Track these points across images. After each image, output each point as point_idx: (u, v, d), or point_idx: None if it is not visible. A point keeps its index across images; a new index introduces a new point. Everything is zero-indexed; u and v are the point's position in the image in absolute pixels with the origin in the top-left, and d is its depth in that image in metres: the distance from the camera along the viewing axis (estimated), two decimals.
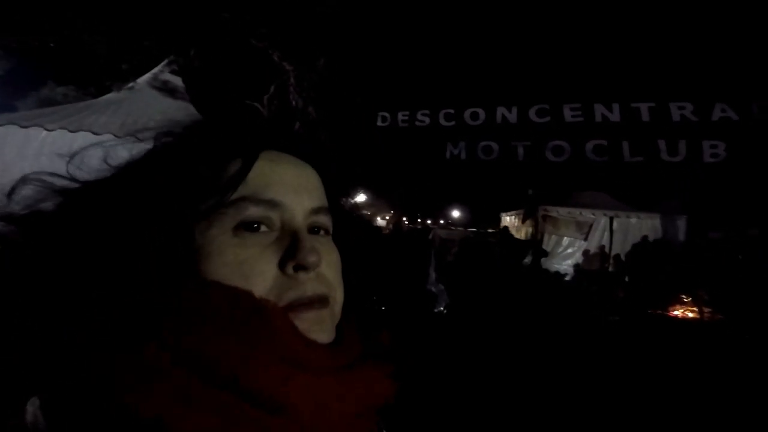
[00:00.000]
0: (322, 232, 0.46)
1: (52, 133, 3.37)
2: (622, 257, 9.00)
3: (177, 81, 6.37)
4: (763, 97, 3.30)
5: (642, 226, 9.33)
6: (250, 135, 0.46)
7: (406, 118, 4.03)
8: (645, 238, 9.02)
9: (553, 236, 9.14)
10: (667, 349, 4.73)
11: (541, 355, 4.46)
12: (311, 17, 4.52)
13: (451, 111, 3.85)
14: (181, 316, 0.35)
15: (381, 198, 14.69)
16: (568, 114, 3.59)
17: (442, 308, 5.17)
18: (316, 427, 0.36)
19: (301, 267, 0.40)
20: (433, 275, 5.08)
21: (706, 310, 6.11)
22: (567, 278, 8.55)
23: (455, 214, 27.65)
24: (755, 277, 6.49)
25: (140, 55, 5.81)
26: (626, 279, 8.30)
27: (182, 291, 0.37)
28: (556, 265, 8.81)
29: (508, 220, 11.34)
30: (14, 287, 0.37)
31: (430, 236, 11.65)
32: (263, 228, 0.42)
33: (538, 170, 3.66)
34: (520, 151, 3.62)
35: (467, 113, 3.83)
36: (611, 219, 9.17)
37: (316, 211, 0.45)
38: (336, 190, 0.51)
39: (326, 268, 0.44)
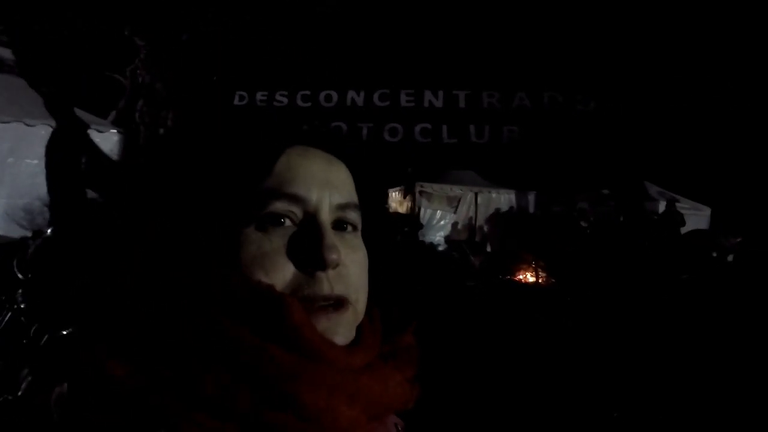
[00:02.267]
0: (349, 228, 0.45)
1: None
2: (485, 228, 10.48)
3: (5, 53, 5.58)
4: (552, 89, 4.20)
5: (501, 200, 10.86)
6: (277, 129, 0.46)
7: (265, 97, 4.24)
8: (498, 210, 10.61)
9: (428, 210, 10.15)
10: (510, 309, 5.73)
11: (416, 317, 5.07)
12: None
13: (308, 93, 4.16)
14: (204, 305, 0.36)
15: None
16: (403, 99, 4.15)
17: None
18: (327, 428, 0.35)
19: (320, 264, 0.40)
20: None
21: (542, 274, 7.43)
22: (440, 248, 9.65)
23: None
24: (583, 245, 8.13)
25: None
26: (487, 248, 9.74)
27: (208, 280, 0.37)
28: (430, 237, 9.85)
29: (393, 195, 12.19)
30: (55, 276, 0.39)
31: None
32: (287, 222, 0.41)
33: (379, 150, 4.16)
34: (364, 131, 4.10)
35: (322, 95, 4.19)
36: (476, 194, 10.51)
37: (343, 207, 0.45)
38: (367, 187, 0.49)
39: (350, 266, 0.43)
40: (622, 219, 8.79)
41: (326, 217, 0.42)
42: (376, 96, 3.87)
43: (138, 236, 0.40)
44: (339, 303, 0.40)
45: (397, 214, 10.71)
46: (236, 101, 4.23)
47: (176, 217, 0.40)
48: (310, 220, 0.41)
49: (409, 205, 10.36)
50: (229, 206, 0.40)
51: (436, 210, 10.28)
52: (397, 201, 11.53)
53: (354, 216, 0.45)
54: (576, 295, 6.22)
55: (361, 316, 0.43)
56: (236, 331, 0.35)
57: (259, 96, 4.09)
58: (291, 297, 0.38)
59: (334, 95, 3.92)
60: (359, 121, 3.86)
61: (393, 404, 0.42)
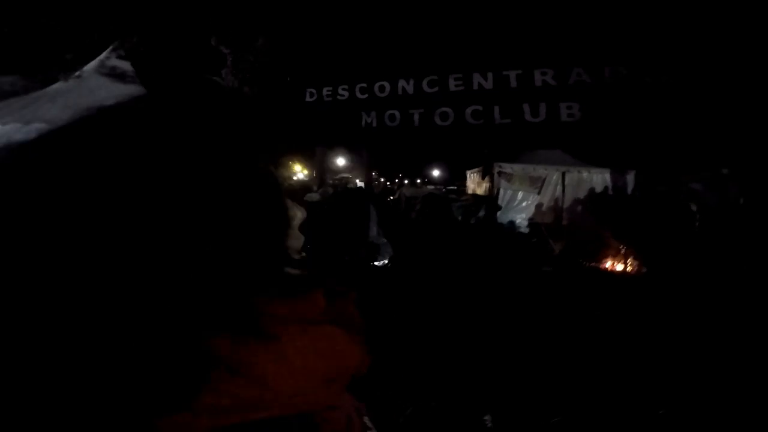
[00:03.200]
0: None
1: (6, 126, 3.69)
2: (573, 211, 9.68)
3: (125, 66, 6.51)
4: (615, 62, 3.74)
5: (593, 179, 9.90)
6: None
7: (330, 92, 4.50)
8: (592, 190, 9.65)
9: (508, 191, 9.69)
10: (589, 297, 5.34)
11: (479, 302, 5.01)
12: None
13: (365, 85, 4.34)
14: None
15: (359, 161, 15.16)
16: (452, 83, 4.08)
17: (385, 261, 5.58)
18: (282, 387, 0.35)
19: None
20: (374, 229, 5.46)
21: (633, 263, 6.72)
22: (521, 230, 9.21)
23: (435, 173, 28.20)
24: (692, 232, 7.13)
25: (82, 43, 5.91)
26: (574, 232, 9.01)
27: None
28: (510, 218, 9.44)
29: (471, 177, 11.86)
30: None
31: (397, 194, 12.14)
32: None
33: (430, 134, 4.16)
34: (416, 117, 4.13)
35: (376, 86, 4.32)
36: (563, 174, 9.73)
37: None
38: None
39: None
40: (743, 203, 7.47)
41: None
42: (425, 83, 3.93)
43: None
44: None
45: (474, 195, 10.45)
46: (307, 98, 4.59)
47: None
48: None
49: (488, 186, 10.01)
50: None
51: (517, 191, 9.75)
52: (475, 182, 11.23)
53: None
54: (673, 288, 5.54)
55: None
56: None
57: (324, 91, 4.41)
58: None
59: (387, 85, 4.06)
60: (410, 108, 3.96)
61: (343, 364, 0.43)
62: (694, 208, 7.89)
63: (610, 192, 9.65)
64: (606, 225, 8.25)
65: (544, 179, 9.79)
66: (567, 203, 9.45)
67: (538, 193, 9.70)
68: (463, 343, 3.89)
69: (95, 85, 5.11)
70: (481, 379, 3.14)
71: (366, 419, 0.51)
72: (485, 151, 9.97)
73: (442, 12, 4.58)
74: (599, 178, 9.83)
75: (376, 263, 5.50)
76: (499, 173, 9.74)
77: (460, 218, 9.38)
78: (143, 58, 6.92)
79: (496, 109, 3.84)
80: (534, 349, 3.76)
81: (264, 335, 0.37)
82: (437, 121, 3.96)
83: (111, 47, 6.36)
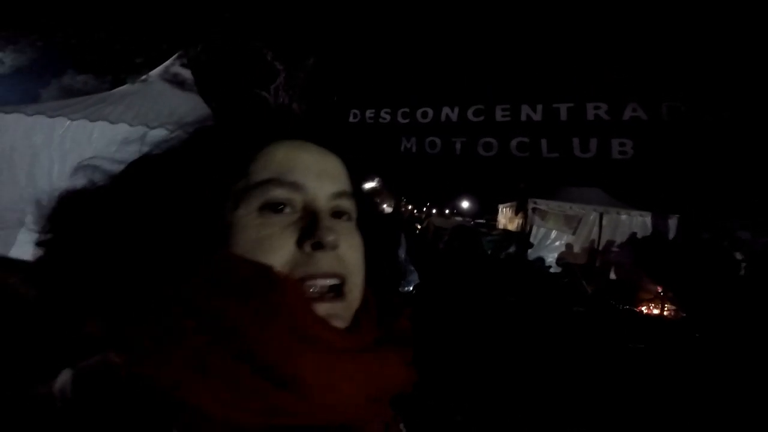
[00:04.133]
0: (345, 216, 0.47)
1: (74, 122, 4.03)
2: (609, 253, 9.30)
3: (186, 73, 6.98)
4: (673, 98, 3.60)
5: (633, 222, 9.54)
6: (270, 122, 0.48)
7: (372, 115, 4.58)
8: (633, 234, 9.27)
9: (542, 229, 9.46)
10: (622, 338, 5.10)
11: (500, 338, 4.88)
12: (303, 18, 5.03)
13: (407, 110, 4.38)
14: (206, 285, 0.36)
15: (389, 186, 15.32)
16: (498, 114, 4.04)
17: (410, 288, 5.55)
18: (327, 407, 0.35)
19: (318, 245, 0.41)
20: (402, 255, 5.49)
21: (670, 307, 6.38)
22: (551, 270, 8.92)
23: (464, 204, 28.01)
24: (736, 281, 6.71)
25: (152, 49, 6.46)
26: (612, 275, 8.63)
27: (210, 261, 0.38)
28: (541, 256, 9.18)
29: (504, 211, 11.69)
30: (62, 260, 0.38)
31: (425, 223, 12.12)
32: (287, 209, 0.43)
33: (473, 164, 4.11)
34: (458, 146, 4.09)
35: (419, 112, 4.35)
36: (601, 214, 9.43)
37: (338, 195, 0.46)
38: (359, 178, 0.52)
39: (347, 250, 0.44)
40: None
41: (323, 204, 0.45)
42: (470, 111, 3.93)
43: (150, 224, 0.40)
44: (339, 291, 0.42)
45: (505, 230, 10.27)
46: (351, 118, 4.71)
47: (183, 207, 0.41)
48: (308, 206, 0.44)
49: (521, 222, 9.83)
50: (230, 195, 0.42)
51: (551, 230, 9.52)
52: (507, 218, 11.05)
53: (348, 205, 0.47)
54: (713, 334, 5.24)
55: (357, 303, 0.45)
56: (236, 312, 0.36)
57: (367, 114, 4.52)
58: (289, 277, 0.39)
59: (430, 112, 4.12)
60: (453, 136, 3.96)
61: (390, 385, 0.43)
62: (739, 256, 7.44)
63: (651, 236, 9.26)
64: (645, 269, 7.87)
65: (581, 219, 9.53)
66: (603, 245, 9.11)
67: (573, 233, 9.43)
68: (484, 376, 3.79)
69: (158, 90, 5.49)
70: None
71: (401, 426, 0.51)
72: (521, 186, 9.86)
73: (489, 41, 4.69)
74: (639, 221, 9.47)
75: (401, 289, 5.49)
76: (534, 210, 9.55)
77: (489, 252, 9.23)
78: (203, 68, 7.43)
79: (544, 142, 3.78)
80: (560, 385, 3.59)
81: (317, 345, 0.37)
82: (480, 151, 3.93)
83: (176, 55, 6.88)
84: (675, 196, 9.34)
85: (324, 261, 0.41)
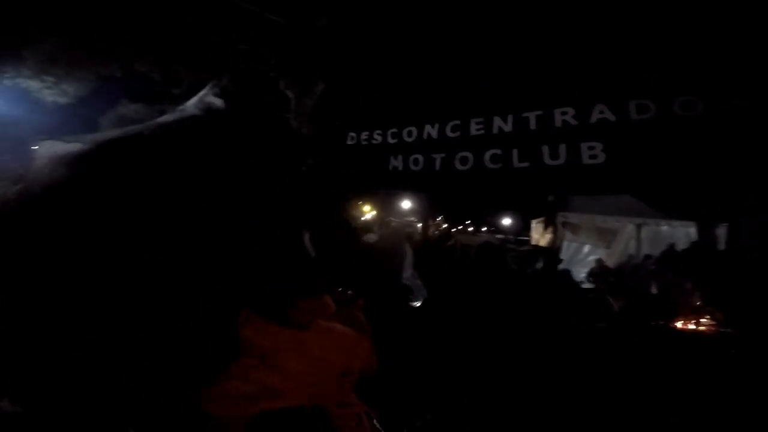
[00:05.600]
0: None
1: None
2: (649, 267, 8.67)
3: (219, 102, 7.62)
4: (640, 96, 3.40)
5: (675, 234, 8.87)
6: None
7: (366, 137, 4.77)
8: (672, 246, 8.63)
9: (573, 244, 9.05)
10: (640, 358, 4.80)
11: (509, 354, 4.77)
12: (310, 46, 5.38)
13: (395, 130, 4.54)
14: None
15: (426, 205, 15.42)
16: (473, 128, 4.04)
17: (417, 303, 5.59)
18: (302, 376, 0.44)
19: None
20: (408, 270, 5.53)
21: (709, 323, 5.89)
22: (583, 285, 8.47)
23: (506, 221, 27.28)
24: None
25: (188, 81, 7.14)
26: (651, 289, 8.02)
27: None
28: (570, 273, 8.75)
29: (536, 227, 11.31)
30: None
31: (452, 241, 11.96)
32: None
33: (450, 179, 4.13)
34: (437, 162, 4.15)
35: (405, 131, 4.48)
36: (639, 226, 8.87)
37: None
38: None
39: None
40: None
41: None
42: (448, 127, 4.04)
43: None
44: None
45: (534, 247, 9.95)
46: (348, 141, 5.02)
47: None
48: None
49: (551, 237, 9.47)
50: None
51: (583, 244, 9.08)
52: (539, 233, 10.67)
53: None
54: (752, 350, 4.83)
55: None
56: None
57: (362, 136, 4.78)
58: None
59: (414, 131, 4.28)
60: (433, 152, 4.09)
61: (357, 359, 0.46)
62: None
63: (696, 247, 8.55)
64: (688, 283, 7.28)
65: (616, 231, 9.02)
66: (640, 259, 8.54)
67: (608, 247, 8.93)
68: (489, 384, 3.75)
69: (191, 119, 6.08)
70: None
71: (375, 422, 0.58)
72: (549, 199, 9.55)
73: (462, 55, 4.76)
74: (682, 232, 8.81)
75: (409, 304, 5.57)
76: (564, 224, 9.20)
77: (515, 269, 8.96)
78: (232, 97, 8.06)
79: (515, 152, 3.76)
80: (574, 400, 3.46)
81: (291, 323, 0.47)
82: (457, 165, 3.99)
83: (209, 86, 7.57)
84: (724, 204, 8.60)
85: None
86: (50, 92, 10.78)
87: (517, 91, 3.89)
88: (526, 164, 3.57)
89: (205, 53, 7.07)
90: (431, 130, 4.16)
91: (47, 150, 4.75)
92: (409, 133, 4.32)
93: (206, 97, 7.46)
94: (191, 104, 7.08)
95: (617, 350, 5.04)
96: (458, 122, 4.00)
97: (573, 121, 3.53)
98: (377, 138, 4.63)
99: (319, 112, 5.53)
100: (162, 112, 7.81)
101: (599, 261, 8.44)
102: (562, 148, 3.48)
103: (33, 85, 10.16)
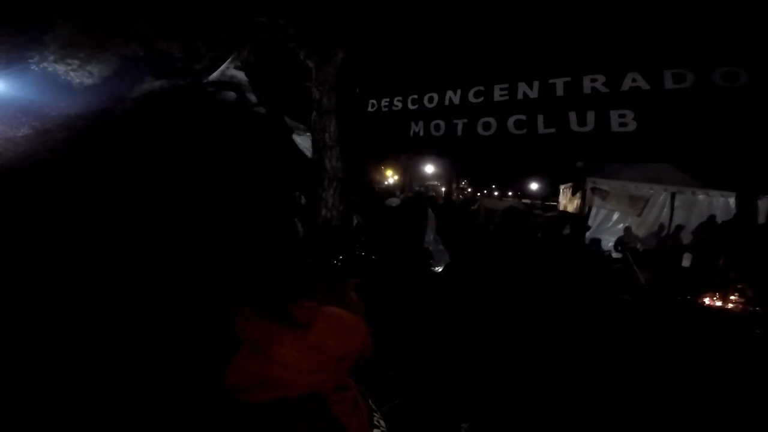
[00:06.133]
0: None
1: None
2: (681, 237, 8.41)
3: (240, 75, 7.66)
4: (677, 65, 3.22)
5: (712, 204, 8.49)
6: None
7: (387, 103, 4.80)
8: (712, 217, 8.29)
9: (602, 210, 8.81)
10: (663, 333, 4.78)
11: (527, 323, 4.84)
12: (330, 15, 5.26)
13: (416, 96, 4.54)
14: None
15: (446, 169, 15.20)
16: (497, 93, 3.97)
17: (439, 268, 5.64)
18: (301, 364, 0.42)
19: None
20: (431, 235, 5.56)
21: (738, 299, 5.76)
22: (610, 254, 8.35)
23: (533, 186, 26.54)
24: None
25: (210, 56, 7.16)
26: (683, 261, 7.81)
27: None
28: (599, 240, 8.61)
29: (564, 192, 11.02)
30: None
31: (476, 206, 11.86)
32: None
33: (473, 144, 4.11)
34: (459, 127, 4.12)
35: (426, 97, 4.46)
36: (673, 194, 8.52)
37: None
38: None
39: None
40: None
41: None
42: (470, 93, 3.98)
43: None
44: None
45: (561, 212, 9.79)
46: (368, 108, 5.04)
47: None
48: None
49: (579, 203, 9.25)
50: None
51: (613, 211, 8.83)
52: (567, 198, 10.44)
53: None
54: None
55: None
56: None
57: (383, 102, 4.79)
58: None
59: (435, 96, 4.24)
60: (455, 118, 4.05)
61: (354, 344, 0.48)
62: None
63: (734, 219, 8.18)
64: (724, 257, 7.05)
65: (648, 199, 8.71)
66: (672, 228, 8.28)
67: (639, 215, 8.67)
68: (501, 353, 3.84)
69: (215, 91, 6.21)
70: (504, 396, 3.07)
71: (371, 401, 0.62)
72: (579, 164, 9.25)
73: (487, 20, 4.57)
74: (721, 202, 8.42)
75: (431, 269, 5.59)
76: (593, 189, 8.93)
77: (539, 235, 8.88)
78: (253, 69, 8.05)
79: (540, 118, 3.68)
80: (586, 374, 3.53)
81: (292, 324, 0.49)
82: (479, 130, 3.95)
83: (230, 59, 7.57)
84: (763, 175, 8.08)
85: None
86: (77, 74, 10.99)
87: (543, 58, 3.76)
88: (552, 130, 3.51)
89: (224, 27, 7.02)
90: (453, 96, 4.14)
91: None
92: (430, 99, 4.31)
93: (228, 70, 7.51)
94: (214, 77, 7.15)
95: (639, 324, 5.04)
96: (481, 88, 3.95)
97: (603, 89, 3.40)
98: (397, 104, 4.65)
99: (340, 80, 5.49)
100: (185, 87, 7.92)
101: (627, 229, 8.25)
102: (591, 115, 3.38)
103: (59, 68, 10.37)
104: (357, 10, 4.93)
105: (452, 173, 13.03)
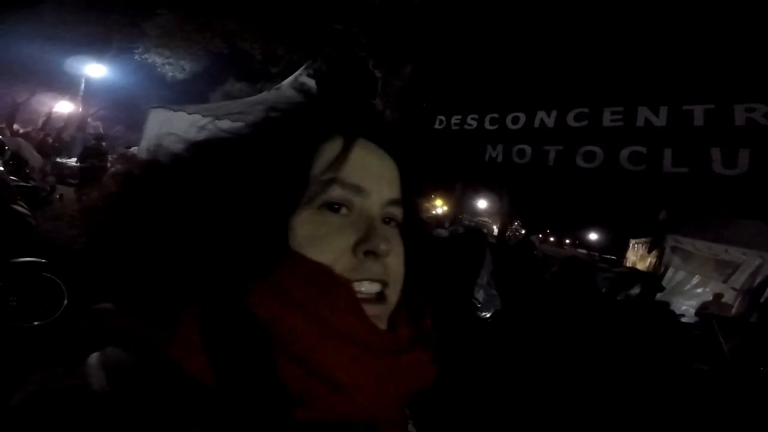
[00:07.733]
0: (393, 223, 0.48)
1: (190, 116, 4.99)
2: None
3: (311, 83, 7.86)
4: None
5: None
6: (351, 118, 0.48)
7: (458, 121, 4.23)
8: None
9: (680, 272, 7.76)
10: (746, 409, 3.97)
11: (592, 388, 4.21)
12: (400, 27, 5.20)
13: (496, 115, 3.91)
14: (268, 283, 0.38)
15: (506, 206, 14.38)
16: (607, 118, 3.29)
17: (487, 315, 5.12)
18: (371, 406, 0.37)
19: (371, 252, 0.42)
20: (485, 277, 5.06)
21: None
22: (684, 319, 7.25)
23: (592, 236, 24.47)
24: None
25: (286, 60, 7.46)
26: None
27: (271, 260, 0.38)
28: (671, 304, 7.52)
29: (635, 247, 9.94)
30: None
31: (536, 251, 10.95)
32: (344, 210, 0.43)
33: (569, 177, 3.44)
34: (552, 155, 3.47)
35: (509, 117, 3.85)
36: None
37: (393, 202, 0.47)
38: (412, 185, 0.52)
39: (393, 258, 0.45)
40: None
41: (378, 210, 0.46)
42: (570, 116, 3.24)
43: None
44: (381, 295, 0.44)
45: (631, 269, 8.77)
46: (436, 125, 4.53)
47: (238, 195, 0.40)
48: (365, 211, 0.45)
49: (654, 262, 8.23)
50: (288, 192, 0.42)
51: (694, 274, 7.75)
52: (638, 255, 9.39)
53: (398, 212, 0.49)
54: None
55: (394, 306, 0.46)
56: (292, 321, 0.38)
57: (453, 120, 4.24)
58: (343, 281, 0.41)
59: (522, 117, 3.57)
60: (546, 144, 3.32)
61: (423, 383, 0.45)
62: None
63: None
64: None
65: (739, 265, 7.56)
66: (764, 298, 7.05)
67: (725, 282, 7.52)
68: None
69: (286, 97, 6.43)
70: None
71: (410, 424, 0.52)
72: (660, 216, 8.30)
73: (593, 30, 4.05)
74: None
75: (478, 313, 5.15)
76: (674, 248, 7.93)
77: (604, 291, 7.97)
78: (324, 77, 8.26)
79: (667, 152, 2.99)
80: None
81: (365, 348, 0.40)
82: (579, 161, 3.32)
83: (304, 66, 7.82)
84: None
85: (374, 268, 0.43)
86: (170, 68, 12.08)
87: (675, 78, 3.14)
88: (684, 170, 2.82)
89: (301, 31, 7.31)
90: (545, 118, 3.54)
91: (156, 117, 5.28)
92: (515, 120, 3.73)
93: (301, 77, 7.73)
94: (286, 84, 7.37)
95: (718, 397, 4.21)
96: (585, 110, 3.33)
97: (763, 121, 2.69)
98: (471, 123, 4.12)
99: (407, 92, 5.31)
100: (261, 90, 8.26)
101: (717, 296, 7.16)
102: (744, 154, 2.66)
103: (157, 60, 11.44)
104: (434, 16, 4.76)
105: (509, 211, 12.18)
